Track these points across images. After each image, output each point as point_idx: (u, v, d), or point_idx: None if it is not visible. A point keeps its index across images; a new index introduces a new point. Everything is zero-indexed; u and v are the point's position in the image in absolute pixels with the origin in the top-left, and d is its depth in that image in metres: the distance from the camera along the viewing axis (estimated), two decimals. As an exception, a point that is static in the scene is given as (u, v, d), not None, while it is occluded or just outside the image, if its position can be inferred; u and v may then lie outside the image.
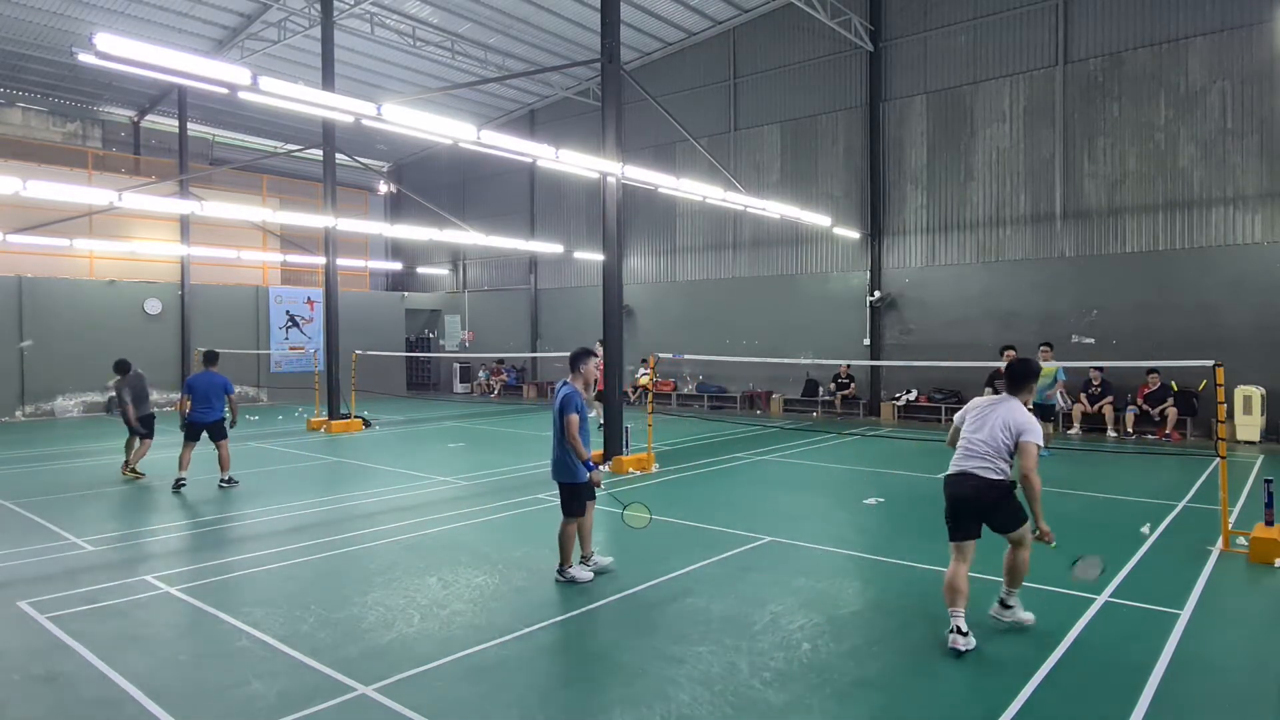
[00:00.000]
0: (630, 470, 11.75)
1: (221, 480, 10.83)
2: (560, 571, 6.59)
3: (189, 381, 11.09)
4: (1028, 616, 5.34)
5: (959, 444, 5.29)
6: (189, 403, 10.92)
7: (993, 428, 5.08)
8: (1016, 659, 4.90)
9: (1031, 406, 5.35)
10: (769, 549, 7.52)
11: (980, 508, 5.09)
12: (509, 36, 21.86)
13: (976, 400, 5.45)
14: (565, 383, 6.60)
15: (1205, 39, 15.32)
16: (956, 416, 5.48)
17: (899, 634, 5.39)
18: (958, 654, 4.88)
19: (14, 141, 22.95)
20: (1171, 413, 15.04)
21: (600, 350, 18.55)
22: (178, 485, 10.59)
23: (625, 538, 7.53)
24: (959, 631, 4.92)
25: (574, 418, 6.36)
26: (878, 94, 19.33)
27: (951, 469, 5.24)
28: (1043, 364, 11.60)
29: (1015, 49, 17.50)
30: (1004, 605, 5.35)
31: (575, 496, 6.54)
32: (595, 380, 6.77)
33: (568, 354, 6.95)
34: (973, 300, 18.13)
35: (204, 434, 10.89)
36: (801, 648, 5.12)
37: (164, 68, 7.01)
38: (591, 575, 6.61)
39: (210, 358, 11.32)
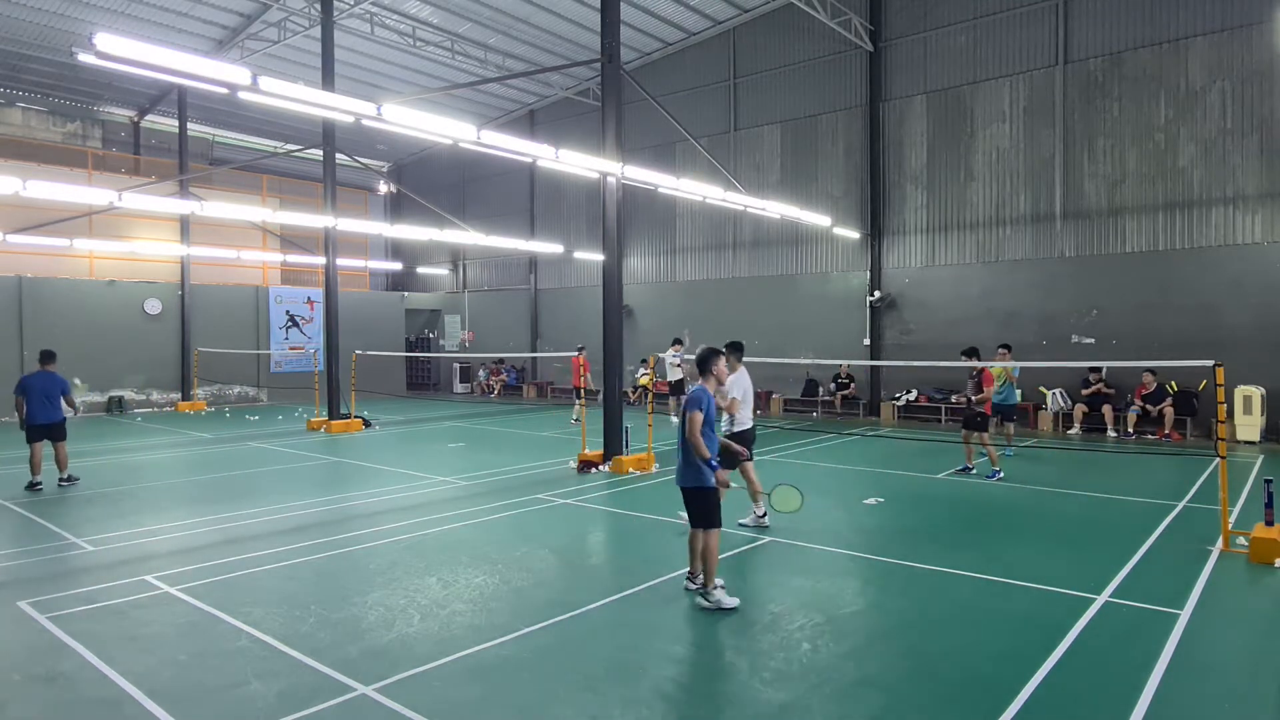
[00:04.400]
0: (630, 470, 11.75)
1: (61, 479, 10.77)
2: (705, 594, 5.87)
3: (25, 382, 10.68)
4: None
5: None
6: (23, 404, 10.56)
7: None
8: (1017, 659, 4.90)
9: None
10: (769, 549, 7.52)
11: None
12: (509, 36, 21.86)
13: None
14: (700, 386, 6.18)
15: (1205, 39, 15.31)
16: None
17: (899, 634, 5.39)
18: None
19: (14, 141, 22.94)
20: (1168, 412, 15.03)
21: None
22: (32, 487, 10.53)
23: (627, 537, 7.53)
24: None
25: (697, 415, 5.85)
26: (878, 94, 19.32)
27: None
28: (1000, 365, 11.52)
29: (1015, 49, 17.49)
30: None
31: (707, 502, 5.95)
32: (724, 379, 6.45)
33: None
34: (973, 300, 18.12)
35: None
36: (801, 648, 5.11)
37: (164, 68, 7.01)
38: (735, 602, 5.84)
39: (47, 357, 10.94)
